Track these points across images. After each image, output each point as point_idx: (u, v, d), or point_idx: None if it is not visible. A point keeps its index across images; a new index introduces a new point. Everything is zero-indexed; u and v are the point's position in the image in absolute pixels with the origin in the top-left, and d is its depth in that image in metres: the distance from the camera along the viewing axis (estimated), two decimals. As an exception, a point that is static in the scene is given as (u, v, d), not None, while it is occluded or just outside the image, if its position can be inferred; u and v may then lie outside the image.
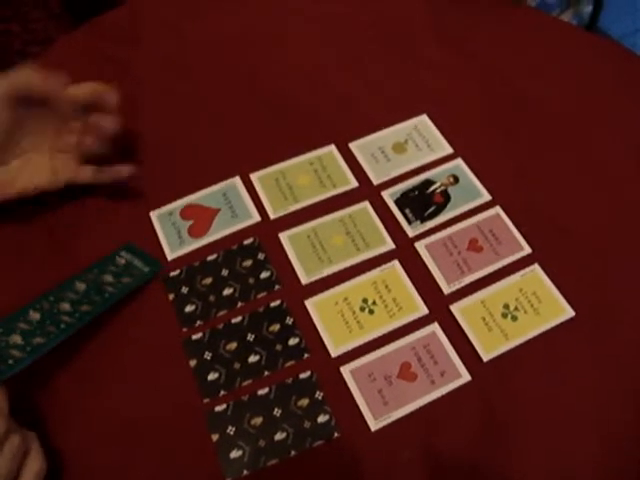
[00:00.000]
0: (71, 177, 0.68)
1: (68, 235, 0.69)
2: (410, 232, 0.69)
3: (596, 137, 0.78)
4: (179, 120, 0.78)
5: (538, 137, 0.78)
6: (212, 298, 0.65)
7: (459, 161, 0.75)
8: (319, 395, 0.60)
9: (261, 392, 0.60)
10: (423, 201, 0.71)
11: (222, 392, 0.60)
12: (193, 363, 0.61)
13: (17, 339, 0.55)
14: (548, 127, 0.78)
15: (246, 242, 0.69)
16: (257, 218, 0.70)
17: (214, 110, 0.79)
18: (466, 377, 0.61)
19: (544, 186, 0.73)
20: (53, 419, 0.58)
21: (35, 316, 0.58)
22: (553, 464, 0.57)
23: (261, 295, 0.65)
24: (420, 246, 0.68)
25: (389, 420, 0.59)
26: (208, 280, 0.66)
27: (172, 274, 0.67)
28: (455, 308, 0.64)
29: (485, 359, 0.62)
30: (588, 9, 1.64)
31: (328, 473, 0.57)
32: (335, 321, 0.64)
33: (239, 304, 0.65)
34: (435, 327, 0.63)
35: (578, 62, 0.85)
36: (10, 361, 0.53)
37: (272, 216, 0.71)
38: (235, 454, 0.57)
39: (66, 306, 0.60)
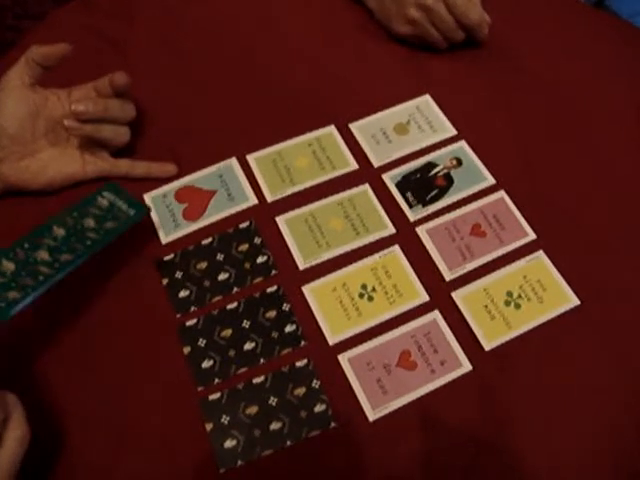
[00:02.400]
0: (104, 170, 0.68)
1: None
2: (411, 216, 0.67)
3: (604, 121, 0.75)
4: (173, 100, 0.76)
5: (544, 120, 0.75)
6: (207, 283, 0.63)
7: (462, 143, 0.72)
8: (316, 384, 0.58)
9: (256, 380, 0.59)
10: (425, 184, 0.69)
11: (216, 380, 0.59)
12: (187, 350, 0.60)
13: None
14: (554, 110, 0.76)
15: (242, 226, 0.67)
16: (254, 201, 0.68)
17: (210, 90, 0.77)
18: (467, 366, 0.59)
19: (550, 170, 0.71)
20: (41, 405, 0.57)
21: (9, 266, 0.53)
22: (555, 456, 0.56)
23: (257, 280, 0.64)
24: (421, 231, 0.66)
25: (388, 410, 0.57)
26: (203, 265, 0.64)
27: (166, 258, 0.65)
28: (457, 295, 0.63)
29: (487, 348, 0.60)
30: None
31: (325, 464, 0.56)
32: (333, 308, 0.62)
33: (234, 289, 0.63)
34: (436, 315, 0.62)
35: (587, 42, 0.83)
36: None
37: (269, 199, 0.69)
38: (229, 444, 0.56)
39: (44, 255, 0.55)
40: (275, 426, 0.57)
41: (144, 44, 0.81)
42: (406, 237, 0.66)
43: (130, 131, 0.68)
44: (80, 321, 0.61)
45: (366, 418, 0.57)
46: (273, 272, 0.64)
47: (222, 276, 0.64)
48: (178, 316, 0.62)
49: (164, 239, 0.66)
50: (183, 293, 0.63)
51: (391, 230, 0.67)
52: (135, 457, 0.56)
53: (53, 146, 0.66)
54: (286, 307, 0.62)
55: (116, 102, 0.65)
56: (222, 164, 0.71)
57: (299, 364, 0.59)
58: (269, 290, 0.63)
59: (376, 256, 0.65)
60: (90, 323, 0.61)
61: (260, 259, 0.65)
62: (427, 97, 0.76)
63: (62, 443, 0.56)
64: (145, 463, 0.55)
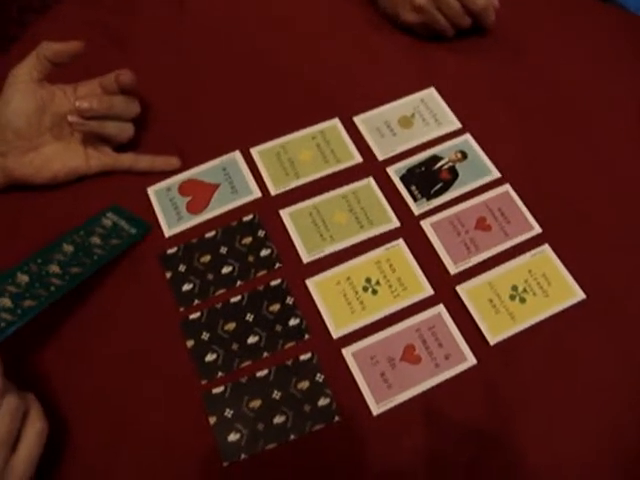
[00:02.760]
0: (107, 164, 0.68)
1: (64, 211, 0.67)
2: (416, 210, 0.67)
3: (610, 114, 0.75)
4: (177, 93, 0.76)
5: (550, 112, 0.75)
6: (210, 276, 0.63)
7: (467, 136, 0.72)
8: (320, 378, 0.58)
9: (260, 374, 0.58)
10: (430, 178, 0.69)
11: (220, 374, 0.58)
12: (190, 344, 0.60)
13: (7, 302, 0.54)
14: (561, 103, 0.76)
15: (246, 219, 0.67)
16: (257, 194, 0.68)
17: (213, 83, 0.77)
18: (472, 361, 0.59)
19: (555, 164, 0.71)
20: (42, 399, 0.56)
21: (24, 279, 0.57)
22: (559, 451, 0.55)
23: (261, 274, 0.63)
24: (426, 224, 0.66)
25: (391, 404, 0.57)
26: (206, 258, 0.64)
27: (169, 251, 0.65)
28: (461, 289, 0.62)
29: (492, 342, 0.60)
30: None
31: (328, 458, 0.55)
32: (337, 301, 0.62)
33: (238, 283, 0.63)
34: (440, 309, 0.61)
35: (593, 35, 0.82)
36: (2, 324, 0.52)
37: (273, 192, 0.68)
38: (233, 437, 0.55)
39: (55, 268, 0.59)
40: (279, 420, 0.56)
41: (147, 38, 0.81)
42: (410, 231, 0.66)
43: (134, 126, 0.68)
44: (83, 315, 0.61)
45: (370, 412, 0.57)
46: (277, 265, 0.64)
47: (226, 269, 0.64)
48: (181, 309, 0.62)
49: (167, 232, 0.66)
50: (186, 286, 0.63)
51: (395, 224, 0.66)
52: (138, 451, 0.55)
53: (57, 140, 0.66)
54: (290, 300, 0.62)
55: (121, 99, 0.65)
56: (226, 157, 0.70)
57: (303, 358, 0.59)
58: (273, 283, 0.63)
59: (380, 250, 0.65)
60: (93, 317, 0.61)
61: (264, 252, 0.64)
62: (432, 90, 0.76)
63: (64, 436, 0.56)
64: (148, 457, 0.55)
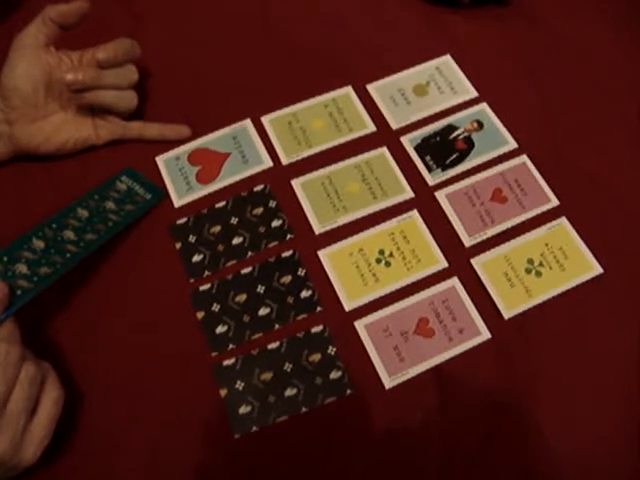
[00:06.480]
0: (116, 133, 0.66)
1: (73, 182, 0.65)
2: (430, 180, 0.66)
3: (632, 85, 0.73)
4: (186, 60, 0.74)
5: (568, 82, 0.73)
6: (221, 247, 0.62)
7: (484, 105, 0.70)
8: (332, 350, 0.57)
9: (271, 346, 0.58)
10: (445, 148, 0.67)
11: (231, 346, 0.58)
12: (201, 315, 0.59)
13: (23, 268, 0.54)
14: (580, 71, 0.74)
15: (257, 189, 0.65)
16: (269, 163, 0.67)
17: (223, 50, 0.75)
18: (486, 335, 0.58)
19: (574, 135, 0.69)
20: (56, 367, 0.56)
21: (39, 244, 0.56)
22: (573, 426, 0.55)
23: (272, 245, 0.63)
24: (441, 195, 0.65)
25: (404, 378, 0.56)
26: (217, 228, 0.63)
27: (179, 222, 0.64)
28: (476, 262, 0.61)
29: (506, 316, 0.59)
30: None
31: (339, 431, 0.55)
32: (349, 273, 0.61)
33: (249, 254, 0.62)
34: (455, 281, 0.60)
35: (618, 2, 0.80)
36: (18, 292, 0.52)
37: (284, 161, 0.67)
38: (244, 410, 0.55)
39: (70, 234, 0.58)
40: (290, 392, 0.56)
41: (157, 5, 0.78)
42: (425, 202, 0.65)
43: (137, 95, 0.66)
44: (93, 285, 0.61)
45: (382, 385, 0.56)
46: (288, 236, 0.63)
47: (236, 240, 0.63)
48: (191, 281, 0.61)
49: (177, 202, 0.65)
50: (196, 257, 0.62)
51: (409, 194, 0.65)
52: (149, 423, 0.55)
53: (65, 110, 0.64)
54: (301, 272, 0.61)
55: (112, 69, 0.63)
56: (236, 126, 0.69)
57: (315, 330, 0.58)
58: (284, 255, 0.62)
59: (394, 221, 0.63)
60: (103, 287, 0.61)
61: (275, 223, 0.63)
62: (447, 57, 0.74)
63: (76, 406, 0.55)
64: (159, 429, 0.55)
